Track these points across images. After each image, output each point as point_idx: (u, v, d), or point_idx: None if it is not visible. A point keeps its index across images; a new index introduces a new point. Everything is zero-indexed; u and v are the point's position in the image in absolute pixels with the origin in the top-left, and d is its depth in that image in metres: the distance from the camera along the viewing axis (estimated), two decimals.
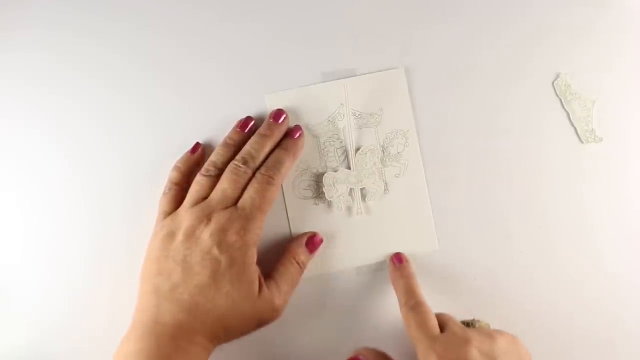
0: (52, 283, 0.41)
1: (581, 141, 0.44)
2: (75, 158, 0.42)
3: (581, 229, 0.43)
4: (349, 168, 0.42)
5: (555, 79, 0.44)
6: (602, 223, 0.43)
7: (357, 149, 0.42)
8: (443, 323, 0.36)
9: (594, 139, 0.44)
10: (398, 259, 0.41)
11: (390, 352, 0.42)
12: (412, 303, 0.37)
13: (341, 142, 0.43)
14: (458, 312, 0.42)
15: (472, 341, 0.33)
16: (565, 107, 0.44)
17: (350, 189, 0.42)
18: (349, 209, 0.42)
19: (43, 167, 0.42)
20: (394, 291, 0.42)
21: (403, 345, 0.42)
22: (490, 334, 0.35)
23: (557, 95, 0.44)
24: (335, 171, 0.42)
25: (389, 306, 0.42)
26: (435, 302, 0.42)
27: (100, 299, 0.41)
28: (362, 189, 0.42)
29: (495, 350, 0.33)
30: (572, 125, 0.44)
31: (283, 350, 0.42)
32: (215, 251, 0.36)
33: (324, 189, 0.42)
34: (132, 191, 0.42)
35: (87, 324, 0.41)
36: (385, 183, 0.42)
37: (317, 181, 0.42)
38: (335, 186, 0.42)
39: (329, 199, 0.42)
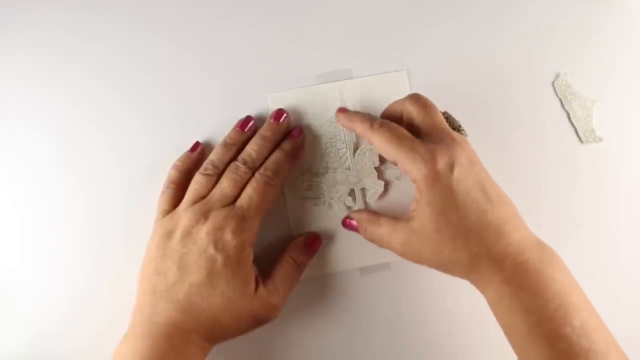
0: (52, 283, 0.41)
1: (581, 141, 0.44)
2: (75, 158, 0.42)
3: (581, 229, 0.43)
4: (349, 169, 0.42)
5: (555, 79, 0.44)
6: (602, 223, 0.43)
7: (356, 149, 0.42)
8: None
9: (594, 139, 0.44)
10: (342, 109, 0.41)
11: (391, 352, 0.43)
12: (376, 125, 0.37)
13: (343, 143, 0.42)
14: (459, 310, 0.43)
15: (463, 144, 0.36)
16: (565, 107, 0.44)
17: (351, 189, 0.42)
18: (350, 209, 0.42)
19: (43, 167, 0.42)
20: (394, 292, 0.42)
21: (403, 344, 0.42)
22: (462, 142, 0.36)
23: (557, 95, 0.44)
24: (335, 172, 0.42)
25: (389, 307, 0.42)
26: (436, 301, 0.43)
27: (100, 299, 0.41)
28: (362, 189, 0.42)
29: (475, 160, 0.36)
30: (572, 125, 0.44)
31: (283, 350, 0.42)
32: (211, 250, 0.36)
33: (324, 190, 0.42)
34: (132, 190, 0.42)
35: (87, 324, 0.41)
36: (386, 183, 0.42)
37: (318, 182, 0.42)
38: (336, 187, 0.42)
39: (330, 200, 0.42)
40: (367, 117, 0.39)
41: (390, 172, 0.43)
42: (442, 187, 0.34)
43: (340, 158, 0.42)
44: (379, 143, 0.36)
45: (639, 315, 0.43)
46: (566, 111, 0.44)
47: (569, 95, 0.44)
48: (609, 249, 0.43)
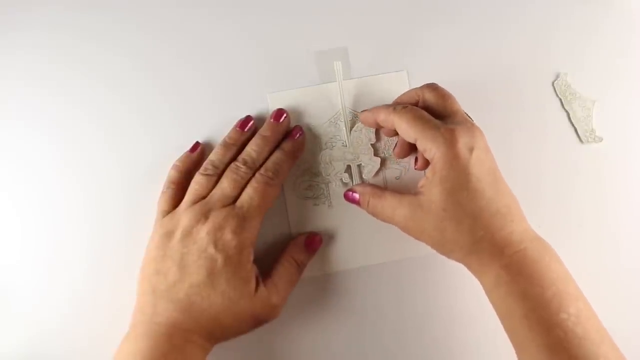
0: (52, 283, 0.41)
1: (581, 141, 0.44)
2: (75, 158, 0.42)
3: (581, 229, 0.43)
4: (345, 145, 0.42)
5: (555, 79, 0.44)
6: (602, 223, 0.43)
7: (352, 127, 0.42)
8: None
9: (594, 139, 0.44)
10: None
11: (391, 352, 0.42)
12: (399, 107, 0.37)
13: (342, 143, 0.42)
14: (460, 310, 0.43)
15: (481, 131, 0.36)
16: (565, 107, 0.44)
17: (347, 165, 0.42)
18: (347, 186, 0.42)
19: (43, 167, 0.42)
20: (394, 292, 0.42)
21: (403, 344, 0.42)
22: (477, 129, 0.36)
23: (557, 95, 0.44)
24: (332, 149, 0.42)
25: (389, 307, 0.42)
26: (436, 302, 0.43)
27: (100, 299, 0.41)
28: (358, 166, 0.42)
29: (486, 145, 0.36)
30: (572, 125, 0.44)
31: (283, 350, 0.42)
32: (211, 249, 0.36)
33: (320, 167, 0.42)
34: (132, 191, 0.42)
35: (87, 324, 0.41)
36: (382, 160, 0.42)
37: (318, 182, 0.42)
38: (332, 164, 0.42)
39: (326, 177, 0.42)
40: (391, 104, 0.40)
41: (390, 172, 0.43)
42: (458, 168, 0.34)
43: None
44: (401, 124, 0.36)
45: (637, 313, 0.43)
46: (566, 111, 0.44)
47: (569, 95, 0.44)
48: (609, 249, 0.43)
